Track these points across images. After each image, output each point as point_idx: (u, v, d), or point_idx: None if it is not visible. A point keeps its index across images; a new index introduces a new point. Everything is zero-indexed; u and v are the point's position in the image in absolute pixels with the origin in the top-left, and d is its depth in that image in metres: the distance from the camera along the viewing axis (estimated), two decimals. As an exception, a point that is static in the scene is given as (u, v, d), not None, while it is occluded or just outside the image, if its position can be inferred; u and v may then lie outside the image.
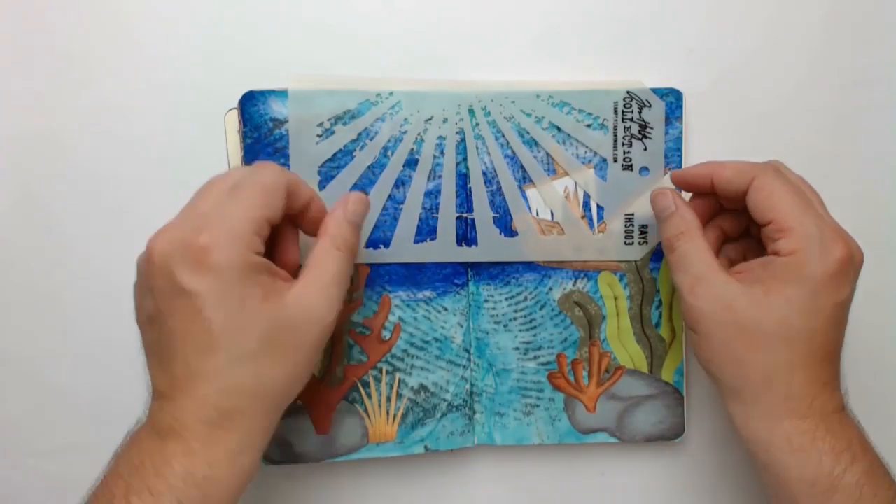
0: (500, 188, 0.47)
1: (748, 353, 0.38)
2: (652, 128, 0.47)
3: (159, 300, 0.35)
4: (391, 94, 0.45)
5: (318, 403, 0.47)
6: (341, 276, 0.38)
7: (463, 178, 0.47)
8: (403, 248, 0.46)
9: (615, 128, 0.47)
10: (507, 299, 0.48)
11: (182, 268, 0.34)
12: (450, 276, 0.47)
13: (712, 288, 0.39)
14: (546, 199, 0.47)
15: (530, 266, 0.48)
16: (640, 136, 0.47)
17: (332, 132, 0.45)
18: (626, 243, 0.48)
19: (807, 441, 0.38)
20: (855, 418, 0.40)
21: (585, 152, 0.47)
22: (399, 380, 0.47)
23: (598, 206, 0.48)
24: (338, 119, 0.45)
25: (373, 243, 0.46)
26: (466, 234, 0.47)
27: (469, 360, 0.48)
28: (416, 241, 0.46)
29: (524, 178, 0.47)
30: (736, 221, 0.44)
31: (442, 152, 0.46)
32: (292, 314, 0.36)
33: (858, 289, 0.50)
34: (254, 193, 0.36)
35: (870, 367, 0.51)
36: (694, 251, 0.40)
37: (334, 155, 0.45)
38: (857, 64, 0.49)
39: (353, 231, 0.40)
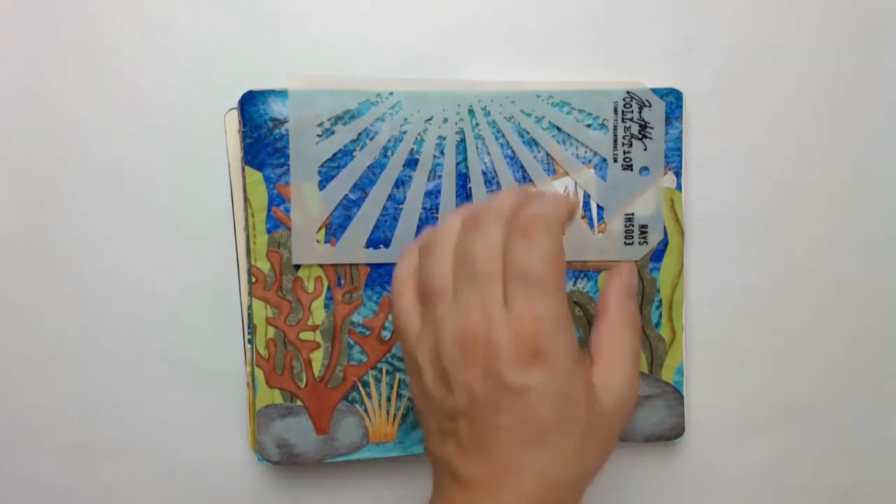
0: (500, 188, 0.47)
1: None
2: (652, 128, 0.47)
3: (479, 393, 0.33)
4: (391, 94, 0.45)
5: (318, 403, 0.47)
6: (637, 355, 0.37)
7: (463, 179, 0.47)
8: (404, 249, 0.46)
9: (615, 128, 0.47)
10: (507, 299, 0.48)
11: (509, 363, 0.32)
12: (450, 276, 0.47)
13: None
14: (546, 199, 0.47)
15: (530, 266, 0.48)
16: (639, 137, 0.47)
17: (333, 132, 0.45)
18: (626, 243, 0.48)
19: None
20: None
21: (585, 152, 0.47)
22: (399, 380, 0.47)
23: (598, 206, 0.48)
24: (338, 119, 0.45)
25: (373, 243, 0.46)
26: (466, 234, 0.47)
27: (469, 360, 0.48)
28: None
29: (524, 178, 0.47)
30: None
31: (442, 152, 0.46)
32: (605, 401, 0.35)
33: (857, 288, 0.50)
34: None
35: (868, 366, 0.51)
36: None
37: (334, 155, 0.45)
38: (857, 64, 0.49)
39: (636, 306, 0.38)
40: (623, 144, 0.47)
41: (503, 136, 0.47)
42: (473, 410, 0.33)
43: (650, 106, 0.47)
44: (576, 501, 0.34)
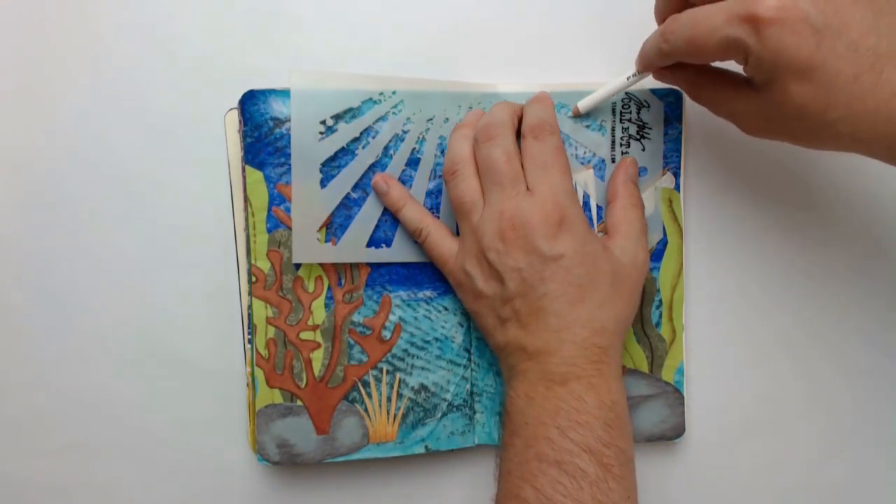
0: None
1: None
2: (650, 128, 0.47)
3: (525, 271, 0.41)
4: (394, 93, 0.45)
5: (318, 403, 0.47)
6: (644, 228, 0.46)
7: (463, 178, 0.47)
8: (405, 248, 0.46)
9: (613, 129, 0.47)
10: (507, 299, 0.48)
11: (542, 238, 0.40)
12: (450, 276, 0.47)
13: None
14: (546, 199, 0.47)
15: (531, 265, 0.48)
16: (637, 137, 0.47)
17: (335, 129, 0.45)
18: (625, 243, 0.48)
19: None
20: None
21: (584, 153, 0.47)
22: (399, 380, 0.47)
23: (597, 206, 0.48)
24: (340, 117, 0.45)
25: (374, 243, 0.46)
26: (467, 234, 0.47)
27: (469, 359, 0.48)
28: (417, 241, 0.46)
29: (524, 178, 0.47)
30: None
31: (443, 152, 0.46)
32: (624, 261, 0.43)
33: (857, 288, 0.50)
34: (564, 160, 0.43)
35: (867, 366, 0.51)
36: None
37: (336, 153, 0.45)
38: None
39: (638, 190, 0.47)
40: (621, 145, 0.48)
41: (503, 136, 0.47)
42: (524, 288, 0.41)
43: (648, 107, 0.47)
44: (618, 344, 0.42)
